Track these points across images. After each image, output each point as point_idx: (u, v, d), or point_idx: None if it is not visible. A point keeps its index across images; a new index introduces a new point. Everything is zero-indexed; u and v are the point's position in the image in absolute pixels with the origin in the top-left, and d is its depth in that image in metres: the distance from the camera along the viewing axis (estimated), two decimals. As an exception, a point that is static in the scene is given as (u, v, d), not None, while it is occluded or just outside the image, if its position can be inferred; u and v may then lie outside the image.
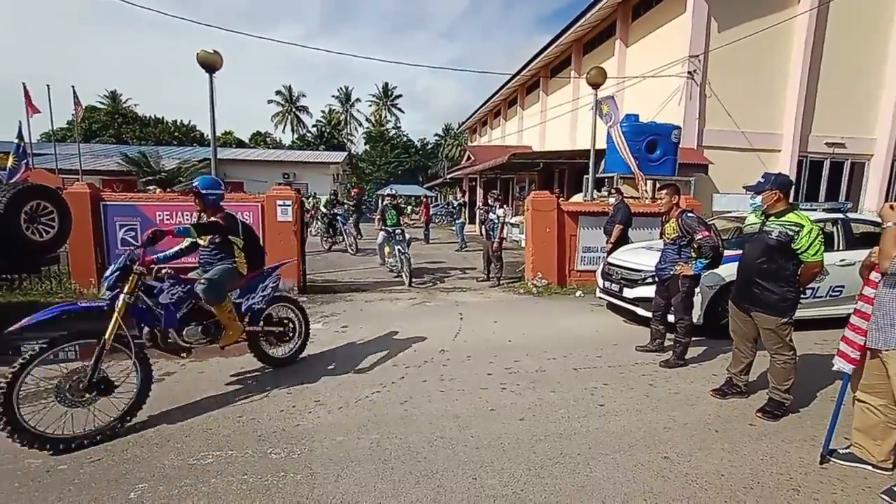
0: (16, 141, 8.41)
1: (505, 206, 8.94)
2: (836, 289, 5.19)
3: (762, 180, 3.19)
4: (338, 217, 12.47)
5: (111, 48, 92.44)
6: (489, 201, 8.20)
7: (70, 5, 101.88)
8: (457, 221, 14.92)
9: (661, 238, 4.51)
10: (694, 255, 4.08)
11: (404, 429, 3.02)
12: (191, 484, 2.41)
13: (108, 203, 6.71)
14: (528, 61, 19.15)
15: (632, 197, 9.00)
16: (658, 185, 4.41)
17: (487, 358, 4.37)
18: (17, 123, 8.95)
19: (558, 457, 2.71)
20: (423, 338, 4.99)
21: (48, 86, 13.58)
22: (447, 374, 3.96)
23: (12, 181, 6.00)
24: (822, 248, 3.04)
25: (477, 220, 15.85)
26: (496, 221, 7.82)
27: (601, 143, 9.37)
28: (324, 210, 13.09)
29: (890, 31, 11.91)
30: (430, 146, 55.20)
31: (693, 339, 4.36)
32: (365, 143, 51.00)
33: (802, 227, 3.00)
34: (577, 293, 7.35)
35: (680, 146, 9.84)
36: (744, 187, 3.53)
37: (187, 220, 6.79)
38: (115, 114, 41.41)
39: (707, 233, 3.92)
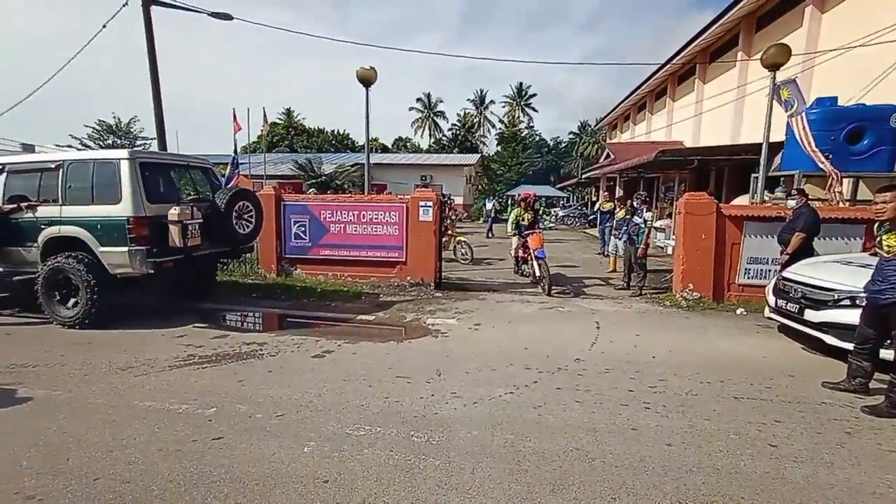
0: (232, 154, 10.79)
1: (652, 208, 8.13)
2: None
3: None
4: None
5: (288, 73, 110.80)
6: (635, 203, 7.58)
7: (252, 42, 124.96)
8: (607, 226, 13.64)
9: (866, 252, 3.60)
10: None
11: (538, 434, 2.98)
12: (348, 450, 2.76)
13: (286, 203, 8.06)
14: (682, 46, 17.10)
15: (818, 199, 7.39)
16: (880, 188, 3.40)
17: (628, 373, 4.05)
18: (234, 140, 11.59)
19: (716, 496, 2.38)
20: (555, 344, 4.86)
21: (248, 109, 17.16)
22: (583, 385, 3.79)
23: (228, 186, 7.59)
24: None
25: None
26: (642, 226, 7.18)
27: (776, 136, 7.87)
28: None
29: None
30: (563, 145, 53.38)
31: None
32: (497, 145, 51.69)
33: None
34: (738, 310, 6.33)
35: (903, 132, 7.68)
36: None
37: (344, 218, 7.77)
38: (289, 127, 49.46)
39: None
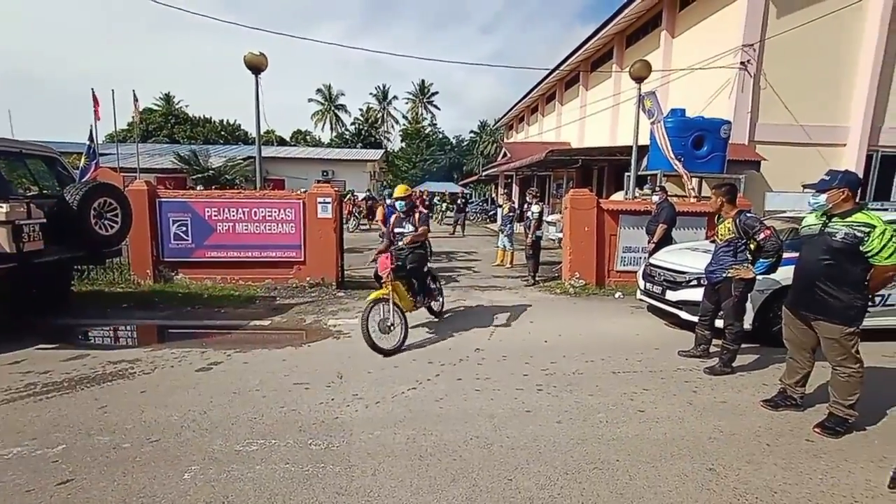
0: (87, 142, 9.07)
1: (541, 203, 8.76)
2: (909, 296, 4.77)
3: (827, 178, 2.97)
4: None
5: (168, 54, 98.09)
6: (527, 198, 8.10)
7: (133, 15, 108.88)
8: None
9: (707, 239, 4.31)
10: (750, 257, 3.88)
11: (440, 426, 3.04)
12: (237, 469, 2.53)
13: (163, 200, 7.12)
14: (567, 55, 18.71)
15: (676, 195, 8.64)
16: (714, 185, 4.19)
17: (523, 359, 4.32)
18: (89, 126, 9.68)
19: (596, 462, 2.65)
20: (458, 336, 5.00)
21: (112, 90, 14.71)
22: (483, 374, 3.95)
23: (84, 180, 6.47)
24: None
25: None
26: (531, 218, 7.71)
27: (644, 140, 9.03)
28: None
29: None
30: (465, 143, 55.05)
31: (742, 346, 4.15)
32: (401, 141, 51.57)
33: (874, 227, 2.77)
34: (617, 294, 7.14)
35: (730, 142, 9.33)
36: (804, 185, 3.31)
37: (233, 216, 7.11)
38: (168, 115, 43.91)
39: (769, 231, 3.73)
